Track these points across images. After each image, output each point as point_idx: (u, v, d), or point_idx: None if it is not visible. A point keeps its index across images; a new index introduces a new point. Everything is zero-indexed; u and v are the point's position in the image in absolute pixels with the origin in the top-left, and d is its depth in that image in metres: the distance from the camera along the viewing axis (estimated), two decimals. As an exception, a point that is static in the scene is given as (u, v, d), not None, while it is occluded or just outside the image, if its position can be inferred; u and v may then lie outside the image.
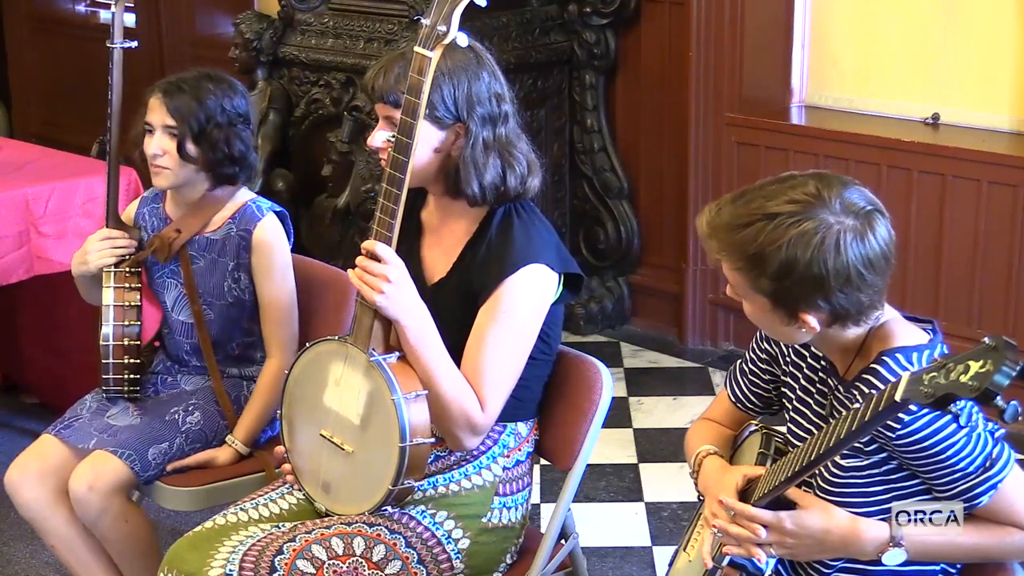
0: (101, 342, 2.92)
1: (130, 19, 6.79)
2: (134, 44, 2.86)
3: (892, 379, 1.88)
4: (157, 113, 2.84)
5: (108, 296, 2.92)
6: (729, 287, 2.03)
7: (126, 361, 2.92)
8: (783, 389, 2.20)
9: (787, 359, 2.17)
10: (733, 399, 2.29)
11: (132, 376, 2.93)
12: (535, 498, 3.48)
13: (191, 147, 2.83)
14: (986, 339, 1.62)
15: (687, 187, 4.74)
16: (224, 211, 2.92)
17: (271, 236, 2.89)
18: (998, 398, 1.58)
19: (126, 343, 2.92)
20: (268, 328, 2.91)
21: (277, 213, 2.94)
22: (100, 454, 2.78)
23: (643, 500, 3.78)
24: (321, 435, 2.39)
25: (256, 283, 2.91)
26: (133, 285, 2.94)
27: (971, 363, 1.61)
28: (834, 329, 1.97)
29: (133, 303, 2.93)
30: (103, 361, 2.92)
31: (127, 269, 2.93)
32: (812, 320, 1.94)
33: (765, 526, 1.97)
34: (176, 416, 2.89)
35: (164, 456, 2.82)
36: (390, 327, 2.31)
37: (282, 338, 2.91)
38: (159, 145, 2.83)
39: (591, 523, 3.60)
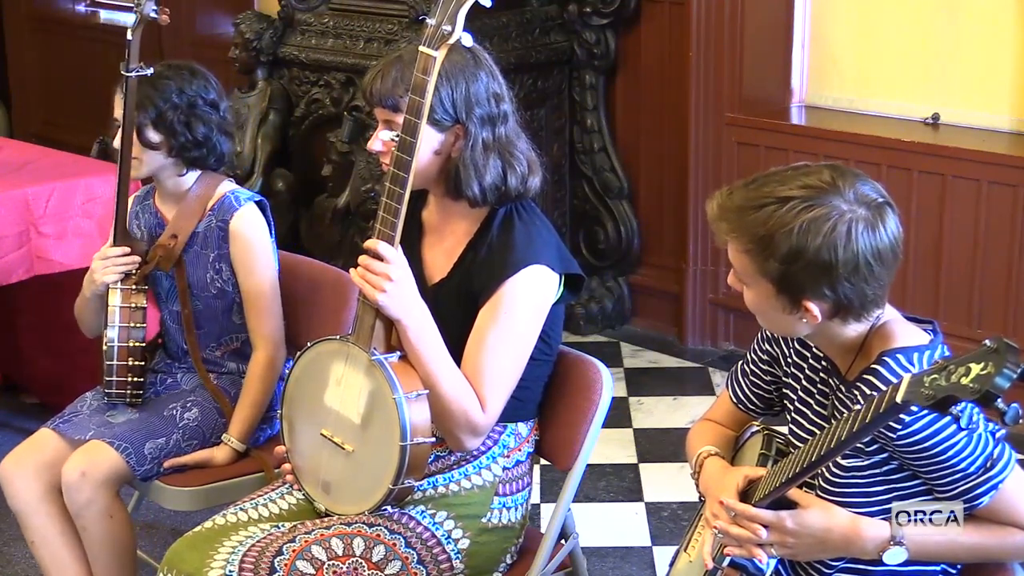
0: (105, 345, 2.91)
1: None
2: (149, 71, 2.84)
3: (893, 379, 1.88)
4: (119, 107, 2.87)
5: (115, 298, 2.92)
6: (732, 274, 2.03)
7: (130, 363, 2.91)
8: (784, 390, 2.20)
9: (788, 360, 2.17)
10: (734, 400, 2.29)
11: (136, 380, 2.93)
12: (535, 498, 3.48)
13: (152, 134, 2.85)
14: (987, 341, 1.62)
15: (687, 187, 4.74)
16: (208, 202, 2.93)
17: (248, 226, 2.90)
18: (999, 400, 1.59)
19: (131, 345, 2.92)
20: (252, 319, 2.92)
21: (257, 203, 2.94)
22: (96, 444, 2.79)
23: (643, 500, 3.78)
24: (322, 435, 2.39)
25: (237, 274, 2.91)
26: (140, 287, 2.95)
27: (972, 365, 1.61)
28: (835, 323, 1.97)
29: (139, 305, 2.93)
30: (106, 363, 2.91)
31: (133, 286, 2.93)
32: (815, 309, 1.94)
33: (766, 526, 1.97)
34: (174, 412, 2.89)
35: (160, 451, 2.82)
36: (392, 326, 2.31)
37: (267, 330, 2.91)
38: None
39: (591, 523, 3.60)
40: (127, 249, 2.92)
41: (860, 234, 1.89)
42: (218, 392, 2.93)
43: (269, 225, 2.95)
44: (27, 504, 2.84)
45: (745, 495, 2.04)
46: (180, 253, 2.91)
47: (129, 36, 2.84)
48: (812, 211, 1.89)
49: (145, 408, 2.92)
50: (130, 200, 3.06)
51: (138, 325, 2.93)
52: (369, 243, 2.29)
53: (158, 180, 2.96)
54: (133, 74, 2.81)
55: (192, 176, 2.94)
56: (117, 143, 2.87)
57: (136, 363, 2.92)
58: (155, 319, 3.08)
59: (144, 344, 2.95)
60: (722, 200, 1.99)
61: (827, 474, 2.00)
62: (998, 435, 1.92)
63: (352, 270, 2.31)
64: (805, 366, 2.12)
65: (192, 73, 2.92)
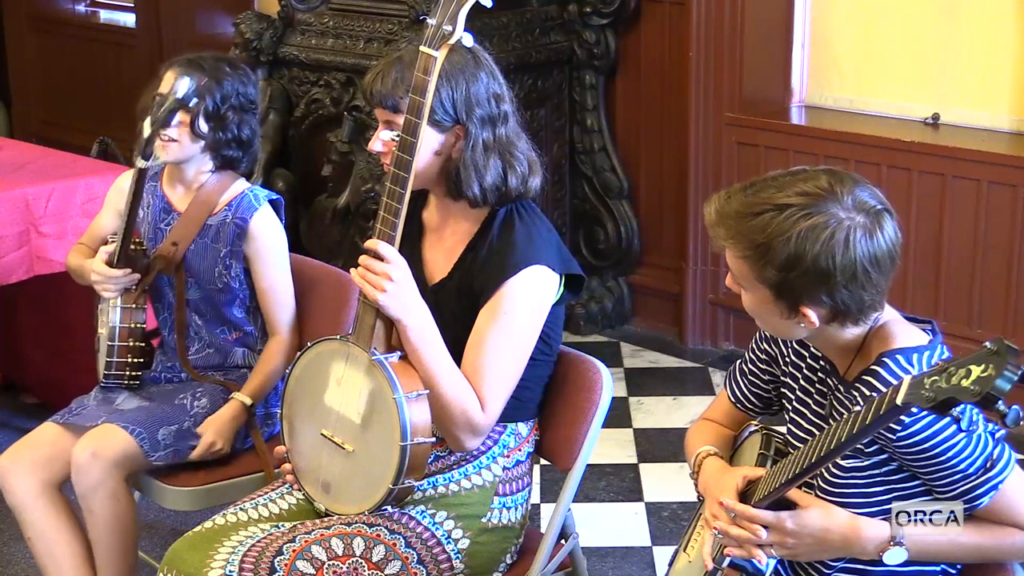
0: (105, 328, 2.91)
1: (130, 19, 6.79)
2: (160, 162, 2.85)
3: (892, 380, 1.88)
4: (165, 83, 2.86)
5: (115, 301, 2.94)
6: (729, 276, 2.03)
7: (131, 344, 2.92)
8: (783, 389, 2.20)
9: (787, 359, 2.17)
10: (733, 399, 2.30)
11: (136, 360, 2.93)
12: (535, 498, 3.48)
13: (203, 125, 2.86)
14: (988, 343, 1.62)
15: (687, 187, 4.75)
16: (222, 199, 2.94)
17: (268, 225, 2.92)
18: (1000, 402, 1.59)
19: (132, 326, 2.92)
20: (272, 312, 2.95)
21: (272, 201, 2.96)
22: (108, 427, 2.80)
23: (643, 500, 3.78)
24: (322, 435, 2.40)
25: (255, 271, 2.93)
26: (140, 305, 2.96)
27: (973, 367, 1.61)
28: (832, 327, 1.97)
29: (140, 305, 2.95)
30: (107, 344, 2.91)
31: (133, 304, 2.94)
32: (812, 315, 1.94)
33: (766, 527, 1.97)
34: (184, 401, 2.90)
35: (174, 438, 2.82)
36: (392, 326, 2.31)
37: (286, 319, 2.96)
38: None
39: (591, 523, 3.60)
40: (128, 270, 2.90)
41: (858, 241, 1.89)
42: (226, 384, 2.94)
43: (281, 223, 2.97)
44: (23, 500, 2.84)
45: (744, 495, 2.04)
46: (180, 260, 2.92)
47: (146, 133, 2.79)
48: (810, 219, 1.89)
49: (154, 398, 2.93)
50: (133, 176, 3.06)
51: (140, 307, 2.94)
52: (369, 243, 2.29)
53: (180, 166, 2.95)
54: (147, 165, 2.81)
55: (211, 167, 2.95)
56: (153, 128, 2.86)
57: (137, 344, 2.93)
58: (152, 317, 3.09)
59: (145, 327, 2.95)
60: (720, 205, 1.98)
61: (827, 474, 2.00)
62: (997, 435, 1.92)
63: (352, 270, 2.31)
64: (803, 365, 2.12)
65: (246, 75, 2.95)
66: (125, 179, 3.07)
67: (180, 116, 2.85)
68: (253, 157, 2.98)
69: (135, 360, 2.94)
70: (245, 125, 2.91)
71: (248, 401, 2.90)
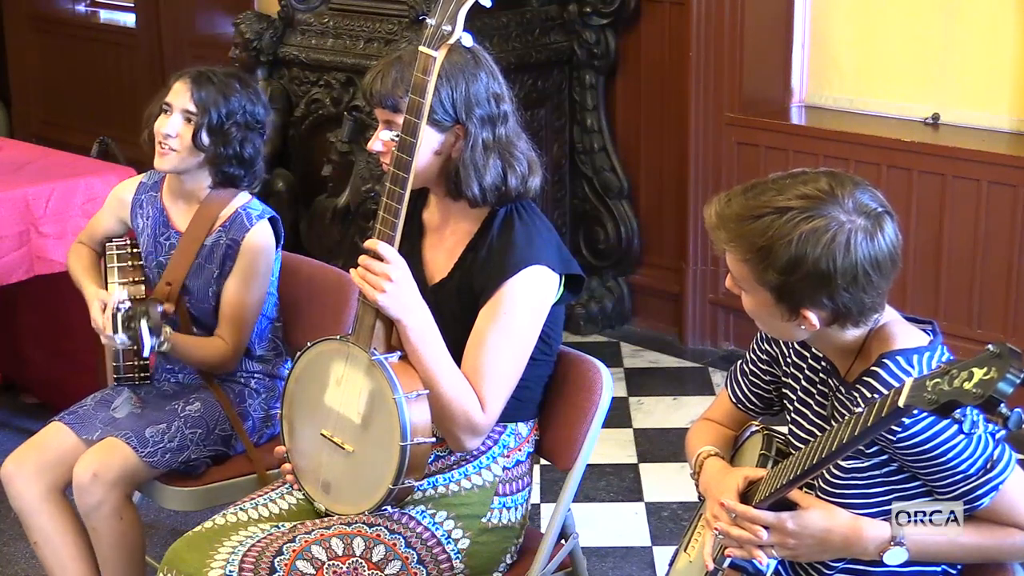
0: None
1: (130, 19, 6.79)
2: (165, 346, 2.77)
3: (893, 381, 1.89)
4: (180, 96, 2.86)
5: (117, 289, 2.93)
6: (729, 278, 2.03)
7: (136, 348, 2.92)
8: (784, 390, 2.20)
9: (788, 360, 2.17)
10: (733, 399, 2.29)
11: (142, 362, 2.93)
12: (535, 498, 3.48)
13: (205, 137, 2.85)
14: (990, 346, 1.62)
15: (687, 187, 4.75)
16: (220, 215, 2.93)
17: (257, 247, 2.90)
18: (1002, 405, 1.58)
19: None
20: (224, 326, 2.89)
21: (270, 218, 2.94)
22: (108, 441, 2.79)
23: (643, 500, 3.78)
24: (322, 435, 2.40)
25: (228, 281, 2.89)
26: (137, 279, 2.96)
27: (975, 370, 1.61)
28: (833, 329, 1.98)
29: (139, 296, 2.94)
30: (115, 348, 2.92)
31: (131, 263, 2.96)
32: (813, 317, 1.94)
33: (767, 527, 1.97)
34: (176, 407, 2.90)
35: (162, 436, 2.81)
36: (392, 326, 2.31)
37: (234, 340, 2.89)
38: (175, 127, 2.85)
39: (591, 523, 3.60)
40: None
41: (859, 244, 1.89)
42: (221, 393, 2.93)
43: (279, 239, 2.95)
44: (29, 504, 2.84)
45: (745, 496, 2.04)
46: (176, 297, 2.90)
47: (122, 338, 2.73)
48: (811, 222, 1.89)
49: (148, 405, 2.92)
50: (135, 185, 3.05)
51: None
52: (369, 243, 2.29)
53: (179, 177, 2.94)
54: (152, 350, 2.76)
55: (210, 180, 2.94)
56: (160, 127, 2.84)
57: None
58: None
59: None
60: (720, 208, 1.98)
61: (827, 475, 2.00)
62: (998, 436, 1.92)
63: (352, 270, 2.31)
64: (804, 366, 2.12)
65: (256, 95, 2.94)
66: (125, 187, 3.08)
67: (182, 127, 2.85)
68: (255, 177, 2.95)
69: (142, 362, 2.93)
70: (248, 143, 2.89)
71: (165, 347, 2.78)
